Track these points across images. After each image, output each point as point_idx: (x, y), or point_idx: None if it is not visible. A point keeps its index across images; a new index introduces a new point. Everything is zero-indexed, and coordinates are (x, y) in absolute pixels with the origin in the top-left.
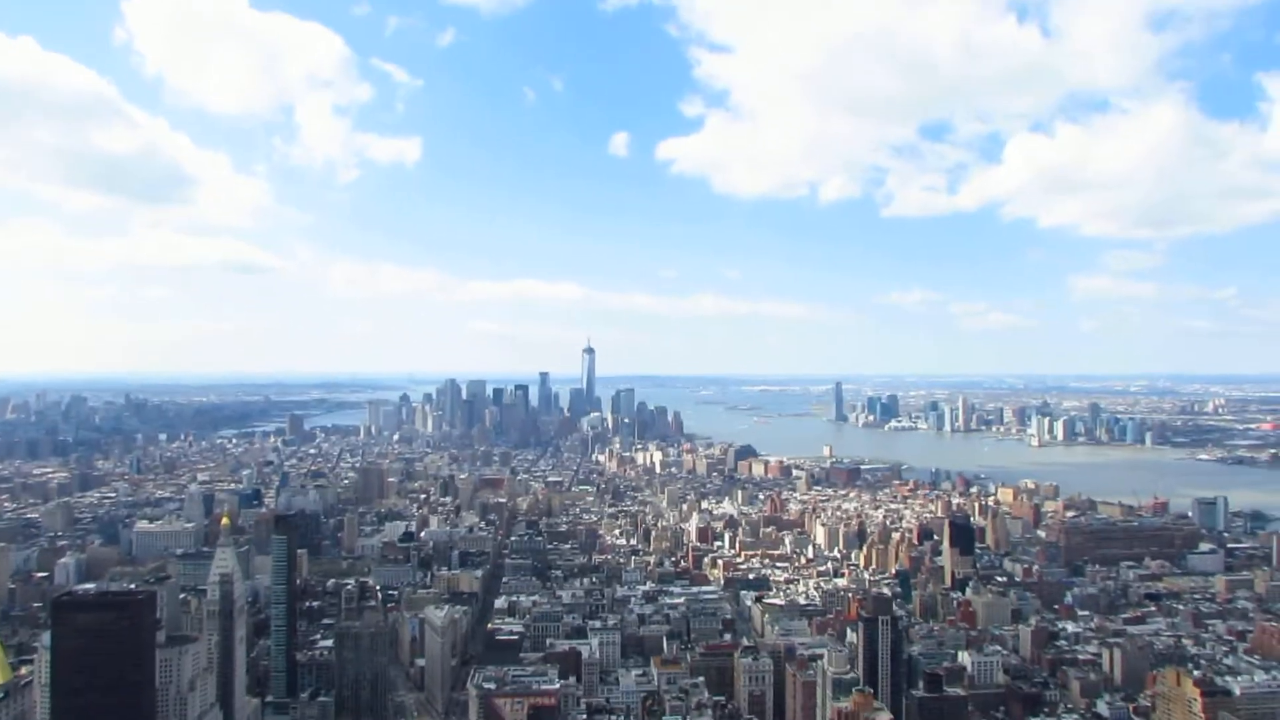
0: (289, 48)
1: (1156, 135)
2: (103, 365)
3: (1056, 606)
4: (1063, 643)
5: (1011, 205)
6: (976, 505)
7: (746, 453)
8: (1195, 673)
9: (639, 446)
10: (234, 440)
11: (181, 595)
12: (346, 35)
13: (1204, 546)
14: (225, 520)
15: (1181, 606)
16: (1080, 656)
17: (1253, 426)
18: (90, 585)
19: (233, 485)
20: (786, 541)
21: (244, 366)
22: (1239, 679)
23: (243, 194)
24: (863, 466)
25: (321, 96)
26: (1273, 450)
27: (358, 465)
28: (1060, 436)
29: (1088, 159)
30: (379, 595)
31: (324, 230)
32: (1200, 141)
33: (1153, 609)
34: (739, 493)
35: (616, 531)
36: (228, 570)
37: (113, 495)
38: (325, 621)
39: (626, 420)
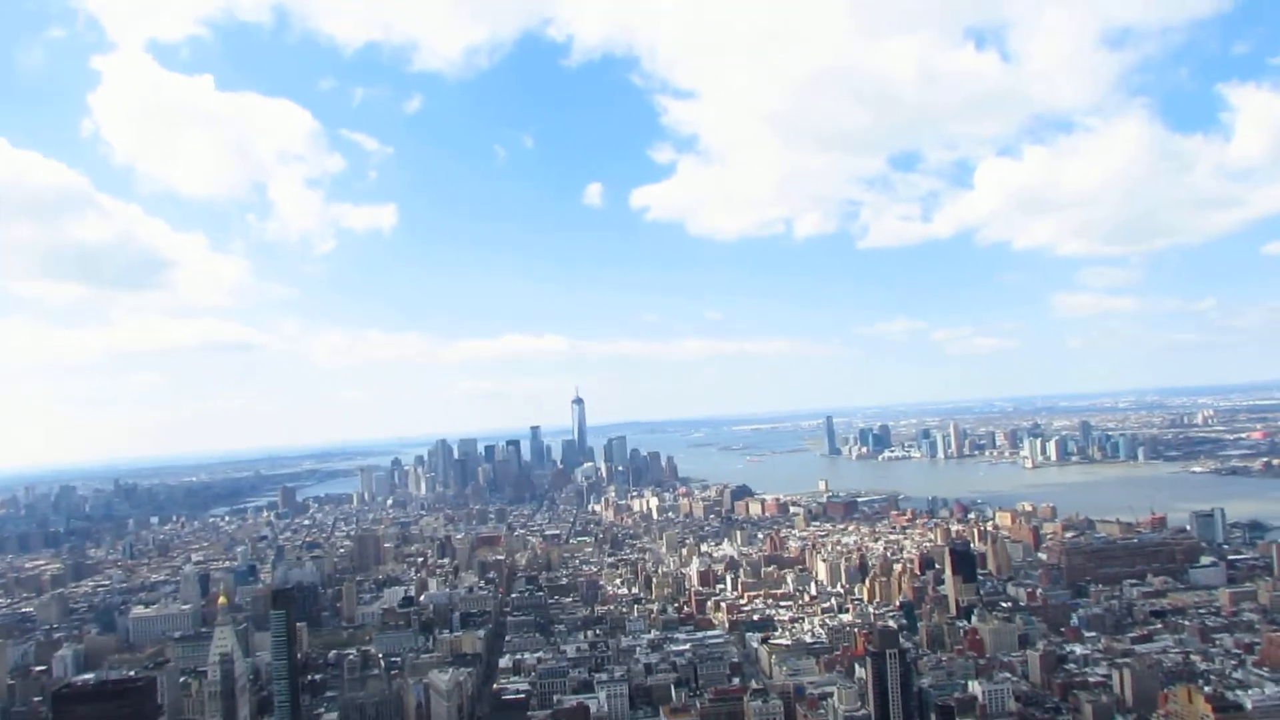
0: (257, 125)
1: (1122, 151)
2: (91, 454)
3: (1063, 629)
4: (1072, 666)
5: (986, 229)
6: (975, 531)
7: (742, 493)
8: (1206, 689)
9: (634, 494)
10: (226, 518)
11: (182, 678)
12: (314, 109)
13: (1205, 559)
14: (222, 599)
15: (1187, 622)
16: (1090, 679)
17: (1243, 436)
18: (89, 675)
19: (228, 563)
20: (788, 580)
21: (233, 444)
22: (1250, 692)
23: (222, 273)
24: (859, 499)
25: (293, 170)
26: (1265, 458)
27: (353, 533)
28: (1053, 457)
29: (1057, 179)
30: (382, 663)
31: (305, 303)
32: (1166, 155)
33: (1159, 626)
34: (738, 533)
35: (617, 581)
36: (227, 650)
37: (107, 583)
38: (329, 694)
39: (620, 468)
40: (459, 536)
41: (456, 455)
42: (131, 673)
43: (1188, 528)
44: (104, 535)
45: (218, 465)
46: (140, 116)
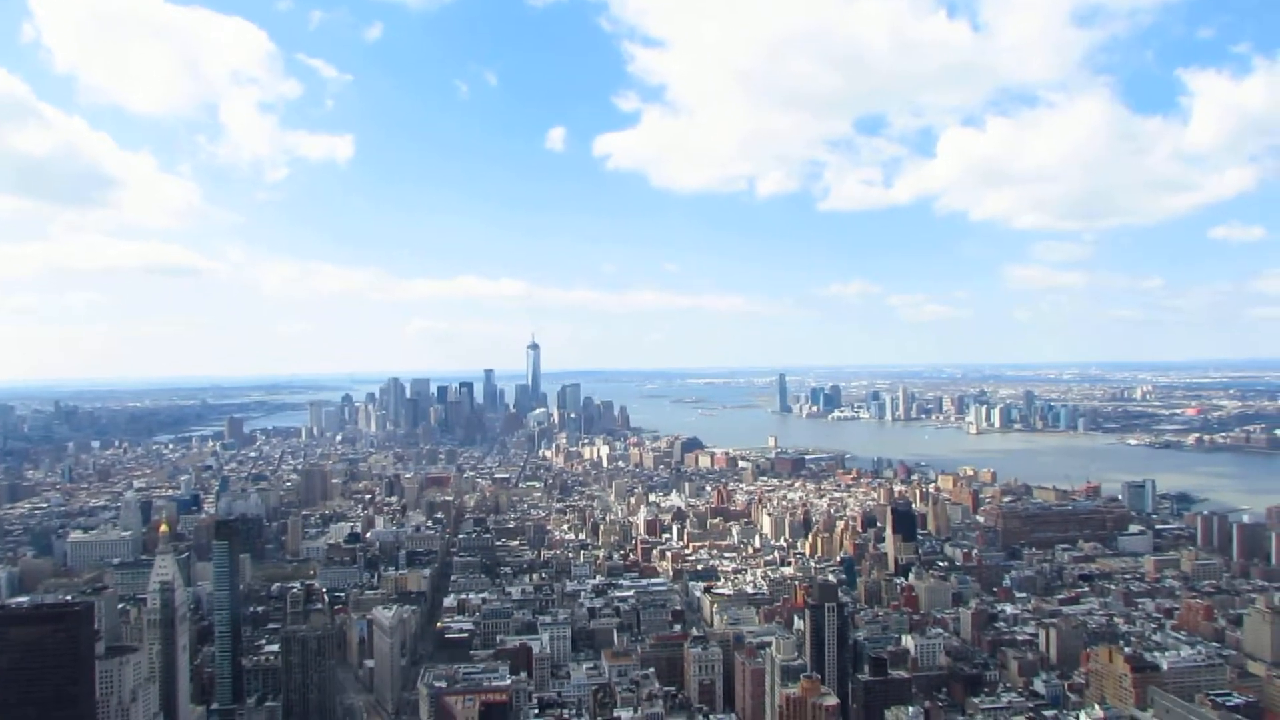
0: (210, 43)
1: (1083, 129)
2: (30, 373)
3: (995, 589)
4: (1001, 624)
5: (945, 198)
6: (918, 492)
7: (693, 445)
8: (1126, 649)
9: (585, 441)
10: (170, 445)
11: (121, 605)
12: (271, 30)
13: (1134, 528)
14: (164, 527)
15: (1113, 586)
16: (1018, 637)
17: (1178, 412)
18: (24, 598)
19: (170, 491)
20: (734, 532)
21: (179, 371)
22: (1166, 654)
23: (169, 195)
24: (807, 456)
25: (247, 93)
26: (1197, 434)
27: (300, 467)
28: (997, 424)
29: (1017, 152)
30: (325, 598)
31: (255, 230)
32: (1125, 135)
33: (1086, 589)
34: (686, 485)
35: (565, 526)
36: (168, 578)
37: (45, 505)
38: (271, 626)
39: (572, 415)
40: (408, 476)
41: (409, 394)
42: (69, 597)
43: (1119, 497)
44: (42, 457)
45: (162, 391)
46: (85, 23)
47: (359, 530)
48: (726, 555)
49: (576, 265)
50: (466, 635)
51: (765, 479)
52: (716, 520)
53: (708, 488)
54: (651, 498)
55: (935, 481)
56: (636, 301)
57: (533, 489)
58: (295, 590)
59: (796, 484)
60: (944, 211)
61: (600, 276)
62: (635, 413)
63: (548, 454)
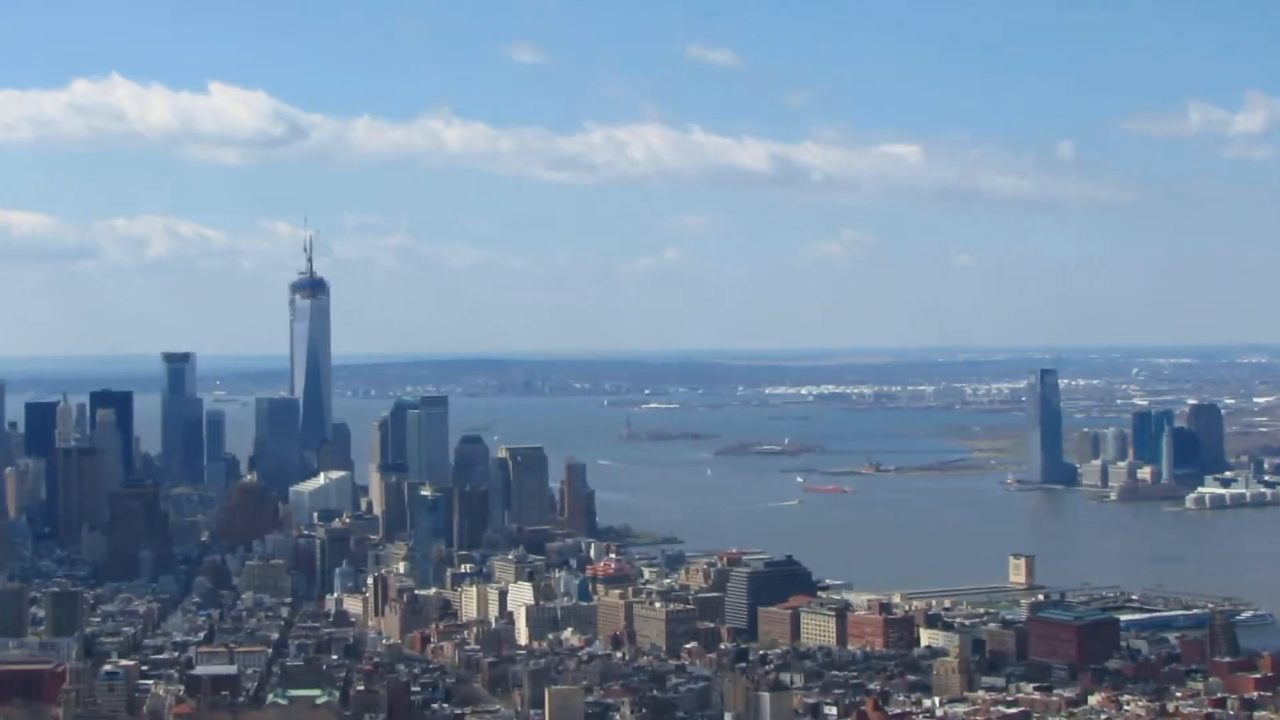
0: None
1: None
2: None
3: None
4: None
5: None
6: None
7: (784, 578)
8: None
9: (466, 568)
10: None
11: None
12: None
13: None
14: None
15: None
16: None
17: None
18: None
19: None
20: None
21: None
22: None
23: None
24: (1126, 617)
25: None
26: None
27: None
28: None
29: None
30: None
31: None
32: None
33: None
34: (764, 700)
35: None
36: None
37: None
38: None
39: (427, 494)
40: None
41: None
42: None
43: None
44: None
45: None
46: None
47: None
48: None
49: (433, 50)
50: None
51: (999, 681)
52: None
53: (828, 702)
54: None
55: None
56: (612, 158)
57: (308, 709)
58: None
59: (1097, 697)
60: None
61: (502, 89)
62: (609, 483)
63: (353, 605)
